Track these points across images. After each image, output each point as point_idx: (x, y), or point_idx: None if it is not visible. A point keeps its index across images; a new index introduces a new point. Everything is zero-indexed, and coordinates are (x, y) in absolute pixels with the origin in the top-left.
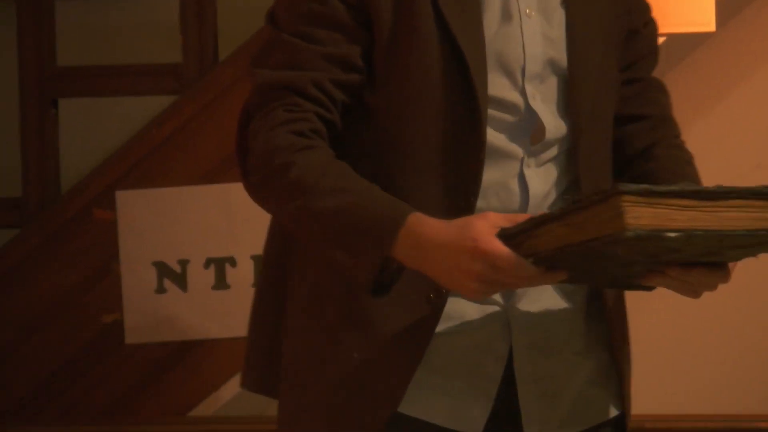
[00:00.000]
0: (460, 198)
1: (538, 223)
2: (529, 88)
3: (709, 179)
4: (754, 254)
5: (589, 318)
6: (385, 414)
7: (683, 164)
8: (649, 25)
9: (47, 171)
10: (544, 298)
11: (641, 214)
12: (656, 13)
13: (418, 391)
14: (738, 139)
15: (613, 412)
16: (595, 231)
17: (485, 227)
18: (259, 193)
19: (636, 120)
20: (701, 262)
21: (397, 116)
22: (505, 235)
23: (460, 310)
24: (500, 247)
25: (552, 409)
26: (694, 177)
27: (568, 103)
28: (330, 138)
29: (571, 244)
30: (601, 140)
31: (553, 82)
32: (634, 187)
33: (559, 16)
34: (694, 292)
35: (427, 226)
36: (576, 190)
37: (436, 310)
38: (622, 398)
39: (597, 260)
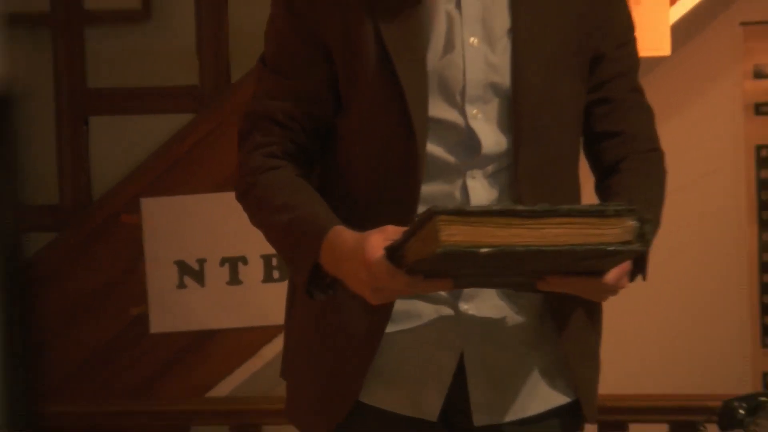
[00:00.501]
0: (404, 208)
1: (405, 238)
2: (469, 109)
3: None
4: (605, 267)
5: (542, 317)
6: (347, 403)
7: (641, 176)
8: (625, 47)
9: (80, 181)
10: (492, 298)
11: (456, 232)
12: None
13: (378, 382)
14: (689, 150)
15: (561, 400)
16: (429, 247)
17: (377, 240)
18: (240, 204)
19: (609, 137)
20: (582, 271)
21: (353, 138)
22: (390, 248)
23: (416, 309)
24: (377, 258)
25: (500, 397)
26: (646, 187)
27: (510, 122)
28: (307, 156)
29: (423, 258)
30: (548, 155)
31: (496, 103)
32: (448, 208)
33: (504, 43)
34: (598, 297)
35: (340, 239)
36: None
37: (386, 309)
38: (575, 389)
39: (470, 268)
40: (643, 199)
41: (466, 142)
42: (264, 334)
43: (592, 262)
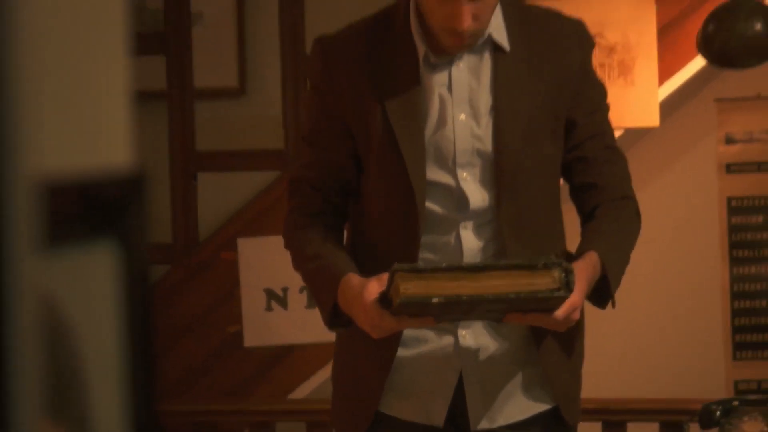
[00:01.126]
0: (408, 253)
1: (387, 288)
2: (460, 173)
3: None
4: (550, 307)
5: (526, 339)
6: (369, 413)
7: (611, 221)
8: (595, 114)
9: (189, 224)
10: (485, 326)
11: (412, 286)
12: (611, 112)
13: (394, 396)
14: (674, 201)
15: (542, 408)
16: (396, 296)
17: (373, 287)
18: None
19: (587, 188)
20: (534, 309)
21: (369, 196)
22: (381, 294)
23: (424, 335)
24: (370, 303)
25: (492, 406)
26: (615, 230)
27: (493, 182)
28: (338, 211)
29: (398, 303)
30: (527, 208)
31: (481, 166)
32: (405, 266)
33: (487, 118)
34: (557, 328)
35: (350, 285)
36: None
37: (396, 338)
38: (554, 397)
39: (435, 312)
40: (611, 242)
41: (458, 200)
42: (333, 348)
43: (534, 305)
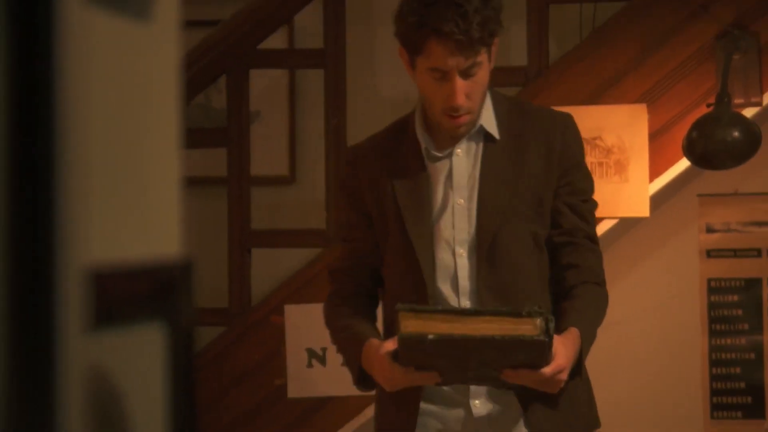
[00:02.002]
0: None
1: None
2: (457, 249)
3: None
4: (535, 362)
5: (524, 402)
6: None
7: (586, 302)
8: (584, 204)
9: (243, 292)
10: (490, 397)
11: (411, 324)
12: (604, 203)
13: None
14: (661, 282)
15: None
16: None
17: (388, 346)
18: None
19: (570, 267)
20: (522, 364)
21: (387, 278)
22: (394, 349)
23: (443, 415)
24: (381, 356)
25: None
26: (591, 311)
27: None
28: (368, 291)
29: (398, 338)
30: (510, 279)
31: (470, 242)
32: (406, 306)
33: (477, 201)
34: (547, 389)
35: (370, 347)
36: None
37: (417, 390)
38: None
39: (436, 359)
40: (588, 323)
41: (453, 273)
42: (365, 399)
43: (522, 357)
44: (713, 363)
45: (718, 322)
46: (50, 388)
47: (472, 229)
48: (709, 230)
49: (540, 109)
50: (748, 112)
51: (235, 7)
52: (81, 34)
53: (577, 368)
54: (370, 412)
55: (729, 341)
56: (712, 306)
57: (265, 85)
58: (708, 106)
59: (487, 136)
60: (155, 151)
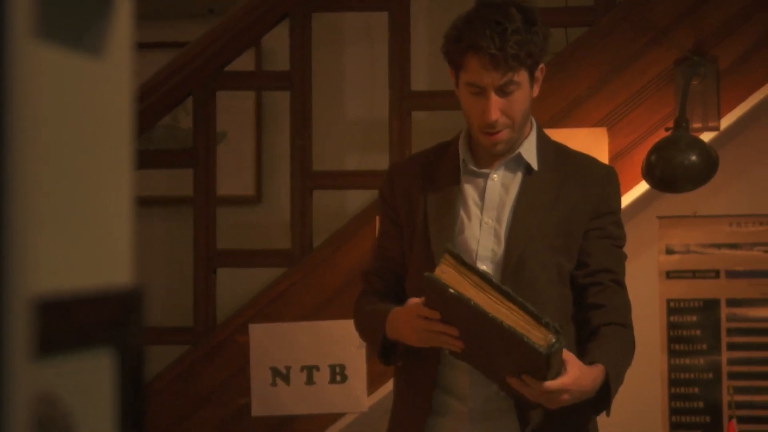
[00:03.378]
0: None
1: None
2: (479, 263)
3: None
4: (533, 366)
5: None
6: None
7: (611, 341)
8: (611, 252)
9: (208, 311)
10: (497, 419)
11: (446, 272)
12: None
13: None
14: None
15: None
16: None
17: (417, 299)
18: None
19: (596, 307)
20: (525, 367)
21: (410, 281)
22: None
23: (446, 402)
24: (409, 302)
25: None
26: (617, 351)
27: (501, 277)
28: (393, 292)
29: (425, 276)
30: (528, 295)
31: (496, 262)
32: (454, 251)
33: (507, 226)
34: (548, 404)
35: (395, 312)
36: None
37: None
38: None
39: (462, 328)
40: (615, 360)
41: None
42: (329, 418)
43: (522, 360)
44: (672, 382)
45: (677, 342)
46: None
47: (498, 249)
48: (669, 251)
49: (585, 156)
50: (706, 137)
51: (202, 28)
52: (31, 68)
53: (603, 403)
54: (334, 429)
55: (688, 361)
56: (671, 326)
57: (232, 106)
58: (667, 130)
59: (527, 168)
60: (106, 181)
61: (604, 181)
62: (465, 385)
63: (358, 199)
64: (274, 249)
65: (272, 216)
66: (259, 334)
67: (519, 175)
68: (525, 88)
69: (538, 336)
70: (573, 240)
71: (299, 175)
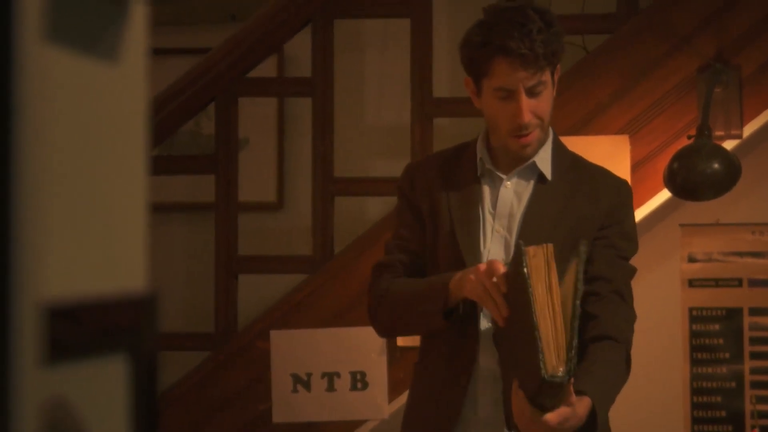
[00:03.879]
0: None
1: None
2: None
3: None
4: (545, 402)
5: None
6: None
7: (599, 366)
8: (615, 263)
9: (230, 317)
10: None
11: (537, 257)
12: None
13: None
14: (645, 309)
15: None
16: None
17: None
18: (370, 318)
19: (590, 318)
20: (535, 391)
21: (440, 266)
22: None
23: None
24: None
25: None
26: (599, 379)
27: None
28: (420, 274)
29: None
30: None
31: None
32: (550, 250)
33: (517, 232)
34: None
35: (468, 270)
36: None
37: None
38: None
39: (513, 310)
40: (600, 389)
41: None
42: (350, 425)
43: (529, 380)
44: (695, 391)
45: (699, 350)
46: (5, 421)
47: (507, 258)
48: (691, 260)
49: (600, 168)
50: (729, 145)
51: (224, 34)
52: (42, 72)
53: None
54: None
55: (710, 370)
56: (693, 335)
57: (254, 112)
58: (689, 138)
59: (539, 177)
60: (121, 186)
61: (614, 193)
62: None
63: (379, 205)
64: (295, 255)
65: (294, 222)
66: (280, 340)
67: (531, 183)
68: (549, 88)
69: (551, 361)
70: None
71: (321, 181)
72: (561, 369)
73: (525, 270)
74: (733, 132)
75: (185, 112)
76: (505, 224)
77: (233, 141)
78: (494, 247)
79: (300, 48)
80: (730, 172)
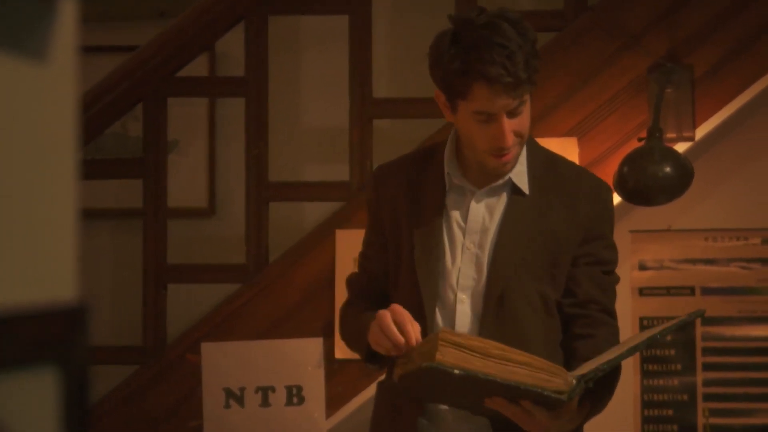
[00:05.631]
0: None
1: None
2: (459, 294)
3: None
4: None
5: None
6: None
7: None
8: (602, 278)
9: (158, 329)
10: None
11: (448, 352)
12: None
13: None
14: None
15: None
16: (421, 360)
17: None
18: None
19: (583, 338)
20: (534, 399)
21: (395, 295)
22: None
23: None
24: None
25: None
26: (598, 388)
27: (481, 305)
28: (374, 301)
29: (424, 366)
30: (515, 337)
31: (476, 290)
32: (448, 330)
33: (490, 251)
34: (527, 428)
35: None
36: None
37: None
38: None
39: (439, 386)
40: (598, 395)
41: (451, 319)
42: None
43: (530, 399)
44: (645, 404)
45: (650, 362)
46: None
47: (480, 277)
48: (642, 267)
49: (575, 169)
50: (681, 147)
51: (153, 32)
52: None
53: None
54: None
55: (662, 382)
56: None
57: (184, 113)
58: (640, 140)
59: (513, 188)
60: (49, 191)
61: (594, 199)
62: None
63: (316, 211)
64: (228, 264)
65: (226, 229)
66: (212, 353)
67: (504, 196)
68: (528, 102)
69: (559, 382)
70: (559, 269)
71: (255, 186)
72: (570, 378)
73: (457, 372)
74: (685, 134)
75: (111, 113)
76: (476, 240)
77: (162, 144)
78: (465, 266)
79: (233, 46)
80: (683, 175)
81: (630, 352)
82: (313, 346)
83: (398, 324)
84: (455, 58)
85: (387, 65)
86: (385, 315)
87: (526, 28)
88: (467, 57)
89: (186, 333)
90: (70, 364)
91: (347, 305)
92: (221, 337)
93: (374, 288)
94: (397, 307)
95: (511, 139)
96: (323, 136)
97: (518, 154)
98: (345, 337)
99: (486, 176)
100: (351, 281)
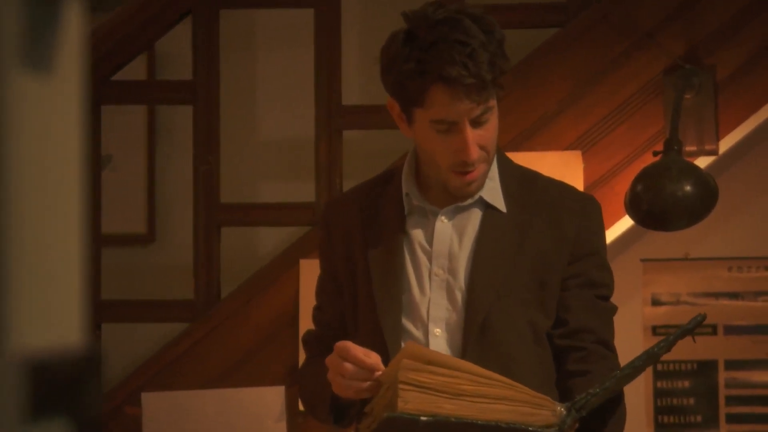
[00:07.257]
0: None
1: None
2: (432, 328)
3: None
4: None
5: None
6: None
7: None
8: (595, 304)
9: None
10: None
11: (411, 398)
12: None
13: None
14: None
15: None
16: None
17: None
18: None
19: (579, 375)
20: None
21: (357, 338)
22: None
23: None
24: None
25: None
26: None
27: (463, 338)
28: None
29: (386, 417)
30: (501, 371)
31: (453, 321)
32: (410, 380)
33: (463, 275)
34: None
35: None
36: None
37: None
38: None
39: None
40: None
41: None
42: None
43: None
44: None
45: (665, 413)
46: None
47: (454, 306)
48: (655, 302)
49: (556, 184)
50: (702, 162)
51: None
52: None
53: None
54: None
55: None
56: (658, 393)
57: (119, 122)
58: (655, 154)
59: (484, 205)
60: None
61: (581, 214)
62: None
63: (276, 237)
64: (172, 299)
65: (169, 258)
66: (155, 404)
67: (475, 213)
68: (496, 111)
69: (545, 416)
70: (548, 292)
71: (203, 209)
72: (559, 408)
73: (423, 419)
74: (708, 147)
75: None
76: (444, 265)
77: (94, 159)
78: (436, 295)
79: (177, 45)
80: (706, 195)
81: (628, 372)
82: (274, 395)
83: (348, 359)
84: (409, 59)
85: (359, 67)
86: (332, 358)
87: (491, 25)
88: (423, 56)
89: (124, 381)
90: (82, 414)
91: (305, 366)
92: (165, 386)
93: (327, 341)
94: (340, 344)
95: (475, 153)
96: (284, 150)
97: (485, 173)
98: (307, 402)
99: (450, 197)
100: (307, 340)
